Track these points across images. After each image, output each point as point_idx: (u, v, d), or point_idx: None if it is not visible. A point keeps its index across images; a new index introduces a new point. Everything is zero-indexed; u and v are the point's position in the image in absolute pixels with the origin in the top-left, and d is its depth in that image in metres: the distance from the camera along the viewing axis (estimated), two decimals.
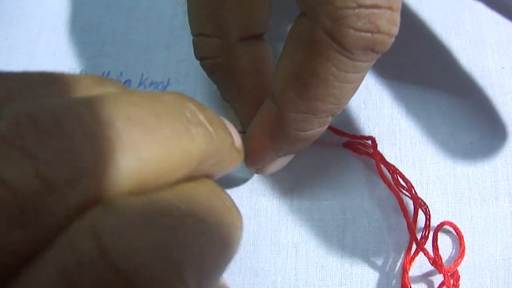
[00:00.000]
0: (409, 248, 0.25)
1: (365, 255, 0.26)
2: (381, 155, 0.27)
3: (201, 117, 0.15)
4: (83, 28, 0.32)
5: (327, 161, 0.28)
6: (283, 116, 0.21)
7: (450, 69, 0.30)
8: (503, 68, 0.29)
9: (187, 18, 0.24)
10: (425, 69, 0.30)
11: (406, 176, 0.27)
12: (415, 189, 0.26)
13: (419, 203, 0.25)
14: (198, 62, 0.25)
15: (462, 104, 0.29)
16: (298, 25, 0.19)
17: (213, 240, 0.14)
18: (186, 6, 0.25)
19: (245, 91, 0.24)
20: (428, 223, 0.25)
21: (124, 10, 0.33)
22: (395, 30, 0.18)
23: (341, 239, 0.26)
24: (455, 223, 0.26)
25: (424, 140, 0.28)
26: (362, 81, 0.20)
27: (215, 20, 0.23)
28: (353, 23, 0.17)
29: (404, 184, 0.26)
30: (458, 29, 0.31)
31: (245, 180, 0.28)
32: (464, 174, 0.27)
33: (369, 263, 0.26)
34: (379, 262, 0.26)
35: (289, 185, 0.28)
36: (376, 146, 0.27)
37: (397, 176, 0.26)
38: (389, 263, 0.26)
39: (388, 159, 0.27)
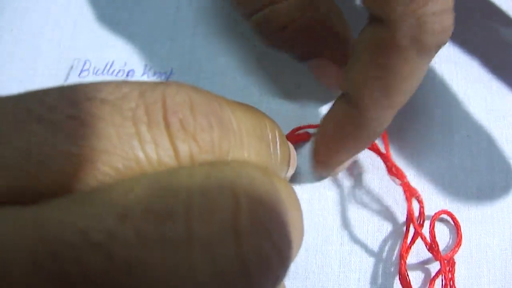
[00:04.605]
0: (406, 235, 0.25)
1: (363, 244, 0.26)
2: (375, 144, 0.27)
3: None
4: (87, 20, 0.33)
5: None
6: (366, 116, 0.23)
7: (449, 61, 0.30)
8: (502, 65, 0.30)
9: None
10: None
11: (404, 167, 0.27)
12: (413, 180, 0.27)
13: (412, 192, 0.26)
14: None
15: (460, 98, 0.29)
16: (373, 34, 0.21)
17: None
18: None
19: (330, 40, 0.25)
20: (422, 210, 0.26)
21: (128, 2, 0.33)
22: (452, 27, 0.21)
23: (339, 228, 0.27)
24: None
25: (422, 133, 0.29)
26: None
27: None
28: (431, 27, 0.20)
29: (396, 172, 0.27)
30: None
31: None
32: (461, 166, 0.28)
33: (367, 251, 0.26)
34: (377, 250, 0.26)
35: (291, 177, 0.28)
36: None
37: (390, 165, 0.26)
38: (386, 251, 0.26)
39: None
